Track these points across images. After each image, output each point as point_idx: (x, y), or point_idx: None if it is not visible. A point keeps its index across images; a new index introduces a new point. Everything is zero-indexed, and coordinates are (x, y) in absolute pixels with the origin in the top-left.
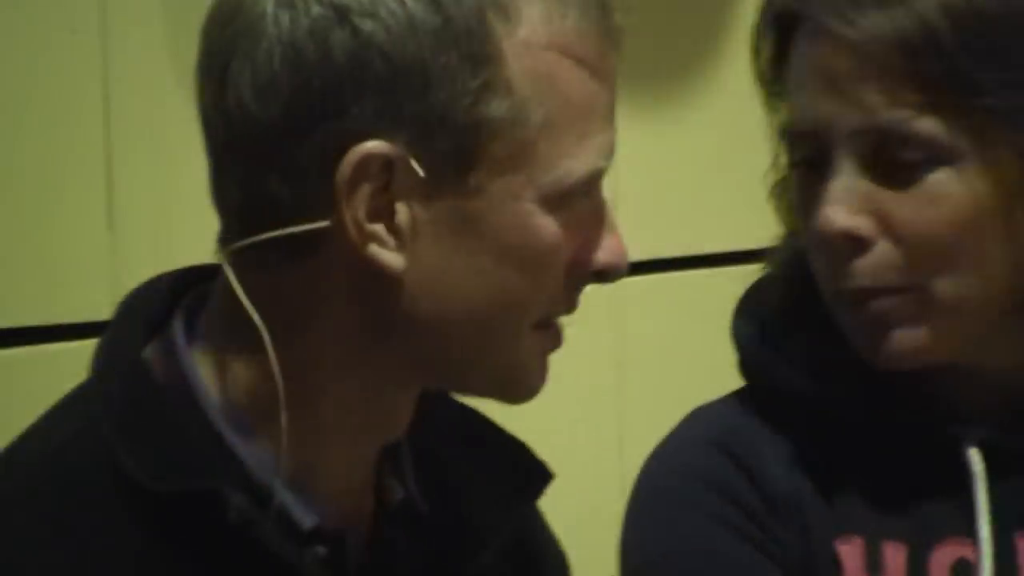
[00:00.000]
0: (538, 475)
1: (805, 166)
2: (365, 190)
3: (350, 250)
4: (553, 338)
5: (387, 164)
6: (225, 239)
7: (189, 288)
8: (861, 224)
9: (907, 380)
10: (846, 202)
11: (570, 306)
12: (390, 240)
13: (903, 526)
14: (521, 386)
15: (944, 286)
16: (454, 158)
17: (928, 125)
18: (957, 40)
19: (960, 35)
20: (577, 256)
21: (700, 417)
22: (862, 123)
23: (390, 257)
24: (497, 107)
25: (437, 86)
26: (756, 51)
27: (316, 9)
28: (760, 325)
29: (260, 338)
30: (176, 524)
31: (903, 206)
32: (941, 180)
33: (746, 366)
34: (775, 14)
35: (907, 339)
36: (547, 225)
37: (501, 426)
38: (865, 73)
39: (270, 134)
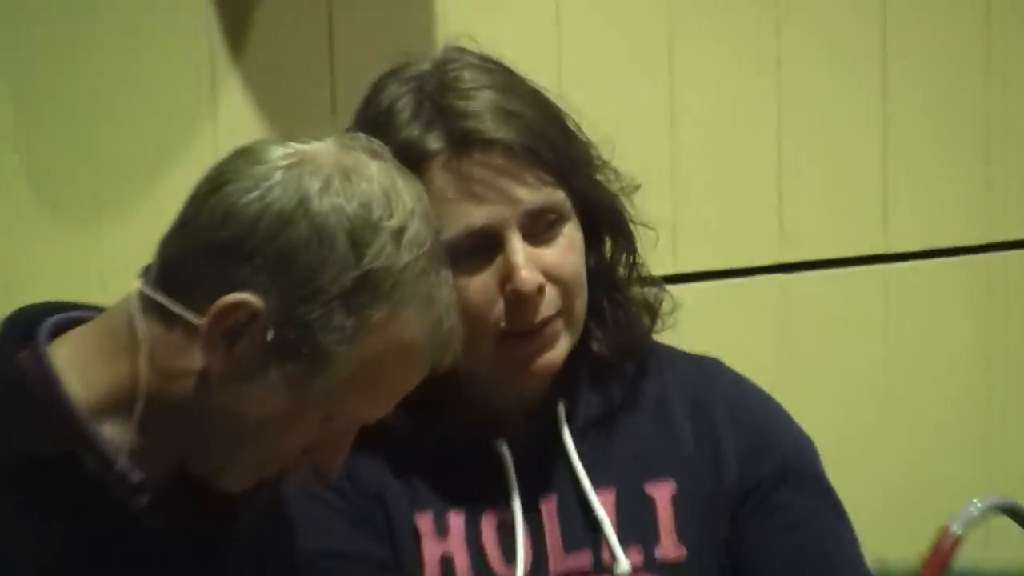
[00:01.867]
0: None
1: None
2: (229, 320)
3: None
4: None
5: (254, 315)
6: (147, 279)
7: (49, 313)
8: (541, 277)
9: (455, 405)
10: (530, 264)
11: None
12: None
13: (461, 500)
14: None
15: (579, 305)
16: (292, 349)
17: (555, 191)
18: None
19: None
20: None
21: None
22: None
23: (211, 361)
24: (341, 349)
25: (318, 304)
26: None
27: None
28: None
29: (128, 353)
30: (40, 484)
31: (553, 256)
32: (568, 231)
33: None
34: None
35: (560, 349)
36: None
37: None
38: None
39: (210, 253)
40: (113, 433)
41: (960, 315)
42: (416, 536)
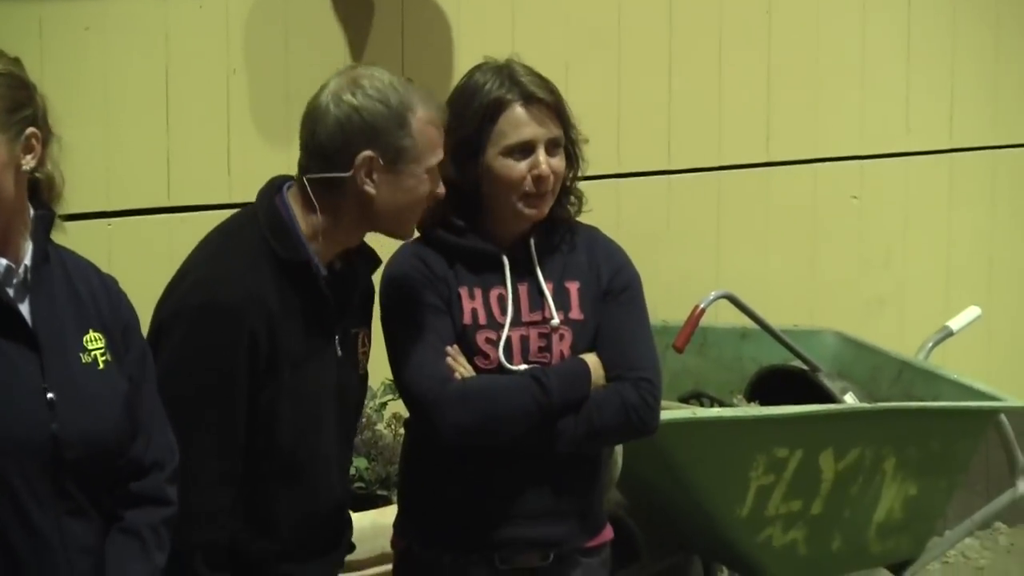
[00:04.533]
0: (375, 259)
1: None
2: (364, 167)
3: (354, 185)
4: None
5: (371, 159)
6: (304, 170)
7: (284, 180)
8: (549, 171)
9: (482, 232)
10: (547, 163)
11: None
12: (371, 184)
13: (481, 282)
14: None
15: (558, 188)
16: (394, 159)
17: (561, 133)
18: (562, 103)
19: (562, 101)
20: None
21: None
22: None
23: (371, 189)
24: (409, 143)
25: (386, 135)
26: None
27: (345, 105)
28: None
29: (314, 208)
30: (288, 271)
31: (554, 163)
32: (561, 153)
33: (423, 231)
34: (491, 102)
35: (547, 207)
36: (426, 183)
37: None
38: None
39: (327, 147)
40: (314, 248)
41: None
42: (459, 297)
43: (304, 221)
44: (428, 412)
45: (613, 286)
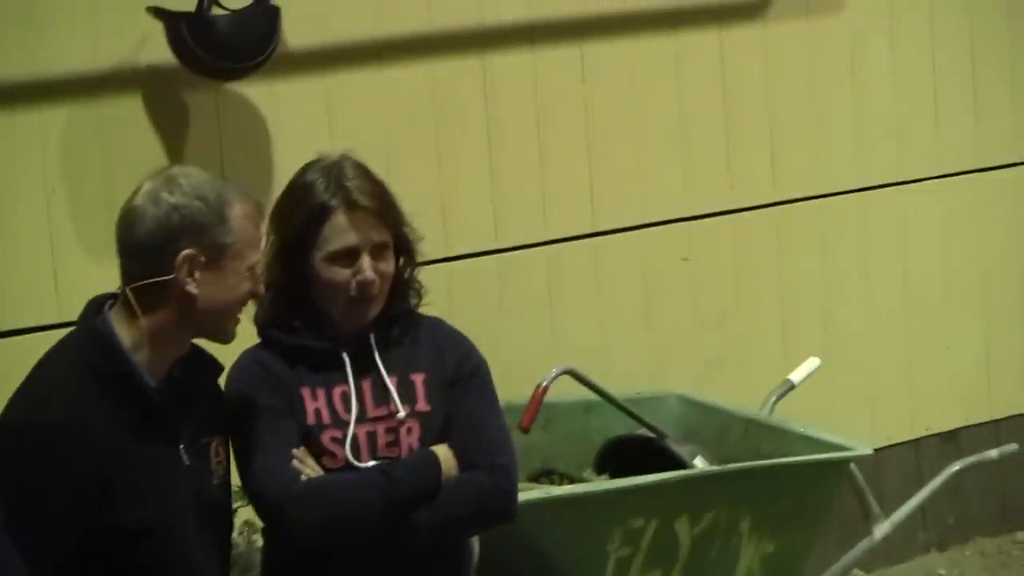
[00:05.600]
0: (217, 366)
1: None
2: (186, 265)
3: (176, 285)
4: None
5: (192, 257)
6: (125, 276)
7: (107, 298)
8: (374, 275)
9: (321, 332)
10: (371, 268)
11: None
12: (193, 283)
13: (323, 381)
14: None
15: (386, 289)
16: (216, 257)
17: (389, 236)
18: (391, 207)
19: (391, 205)
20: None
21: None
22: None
23: (193, 289)
24: (230, 239)
25: (206, 232)
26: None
27: (164, 204)
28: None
29: (136, 319)
30: (112, 385)
31: (381, 267)
32: (389, 254)
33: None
34: (316, 207)
35: (376, 309)
36: (247, 281)
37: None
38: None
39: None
40: (141, 358)
41: None
42: (301, 399)
43: (127, 333)
44: (276, 515)
45: (460, 373)
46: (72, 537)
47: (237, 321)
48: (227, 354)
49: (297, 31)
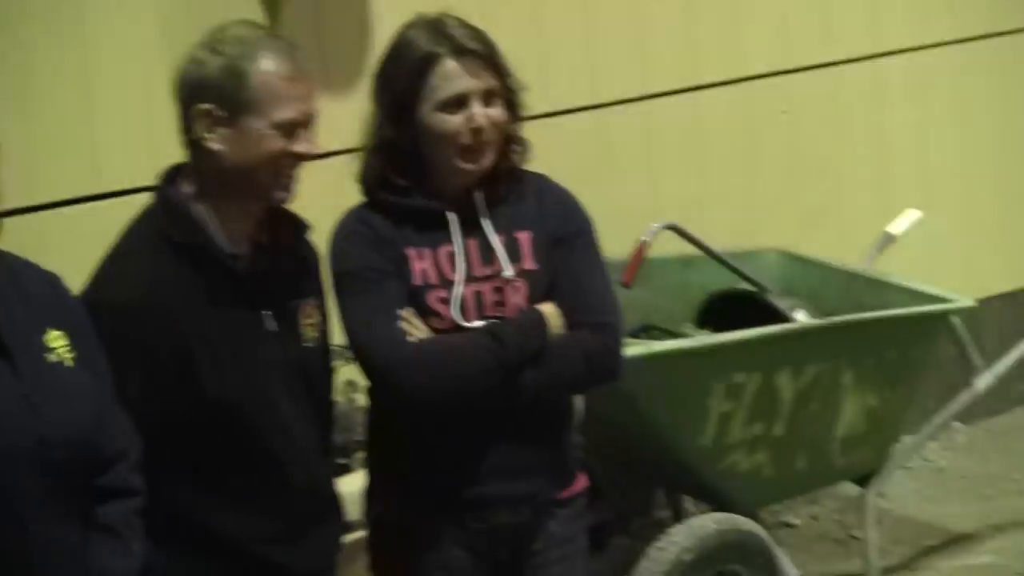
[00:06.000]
0: (300, 226)
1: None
2: (203, 120)
3: (201, 143)
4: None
5: (206, 112)
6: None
7: (181, 165)
8: (486, 121)
9: (426, 190)
10: (482, 115)
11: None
12: (215, 140)
13: (429, 241)
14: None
15: (498, 141)
16: (233, 112)
17: (497, 84)
18: (496, 54)
19: (496, 52)
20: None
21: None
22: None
23: (215, 146)
24: (247, 95)
25: (220, 87)
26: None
27: (191, 63)
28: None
29: (200, 184)
30: (187, 256)
31: (492, 114)
32: (499, 104)
33: (367, 194)
34: (420, 57)
35: (487, 160)
36: (274, 139)
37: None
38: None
39: (181, 103)
40: (213, 224)
41: None
42: (407, 259)
43: (200, 201)
44: (386, 378)
45: (565, 232)
46: (160, 409)
47: (284, 182)
48: (333, 216)
49: None
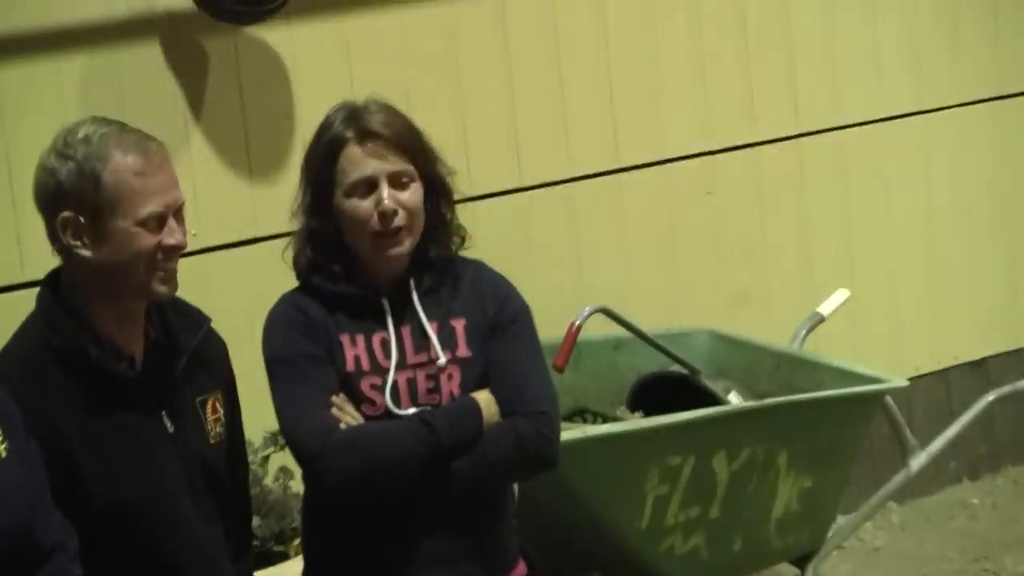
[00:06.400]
0: (198, 319)
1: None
2: (68, 229)
3: (69, 251)
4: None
5: (69, 220)
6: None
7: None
8: (396, 204)
9: (359, 277)
10: (391, 198)
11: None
12: (83, 247)
13: (362, 328)
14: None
15: (416, 224)
16: (95, 217)
17: (410, 166)
18: (411, 136)
19: (411, 134)
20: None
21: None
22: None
23: (85, 252)
24: (104, 196)
25: (77, 193)
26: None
27: (42, 170)
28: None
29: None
30: (68, 364)
31: (404, 199)
32: (414, 188)
33: (300, 279)
34: (328, 142)
35: (404, 246)
36: (142, 236)
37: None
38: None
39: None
40: (98, 328)
41: None
42: (340, 345)
43: (82, 305)
44: (313, 464)
45: (501, 319)
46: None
47: (162, 276)
48: (266, 302)
49: None
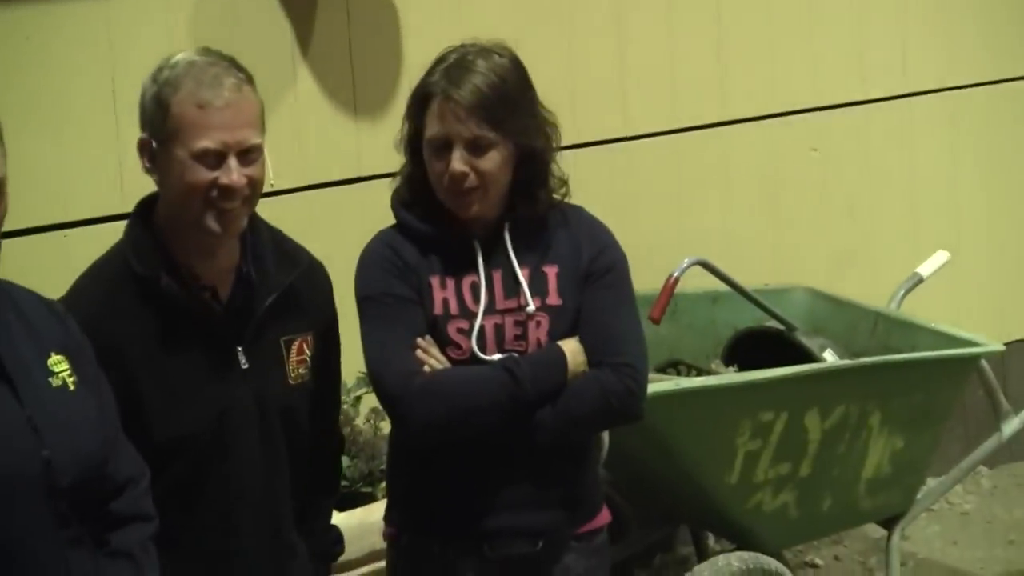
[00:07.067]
0: (297, 260)
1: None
2: (143, 151)
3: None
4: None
5: (144, 142)
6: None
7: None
8: (467, 168)
9: (452, 218)
10: (462, 162)
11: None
12: (154, 170)
13: (452, 270)
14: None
15: (493, 189)
16: (162, 142)
17: (491, 134)
18: (497, 102)
19: (498, 100)
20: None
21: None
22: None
23: (155, 176)
24: (170, 124)
25: (151, 116)
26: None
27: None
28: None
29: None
30: (148, 291)
31: (479, 163)
32: (492, 155)
33: (396, 215)
34: (421, 92)
35: (474, 208)
36: (195, 169)
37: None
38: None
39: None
40: (181, 257)
41: None
42: (430, 287)
43: (169, 233)
44: (394, 407)
45: (595, 268)
46: None
47: (215, 213)
48: (363, 237)
49: None
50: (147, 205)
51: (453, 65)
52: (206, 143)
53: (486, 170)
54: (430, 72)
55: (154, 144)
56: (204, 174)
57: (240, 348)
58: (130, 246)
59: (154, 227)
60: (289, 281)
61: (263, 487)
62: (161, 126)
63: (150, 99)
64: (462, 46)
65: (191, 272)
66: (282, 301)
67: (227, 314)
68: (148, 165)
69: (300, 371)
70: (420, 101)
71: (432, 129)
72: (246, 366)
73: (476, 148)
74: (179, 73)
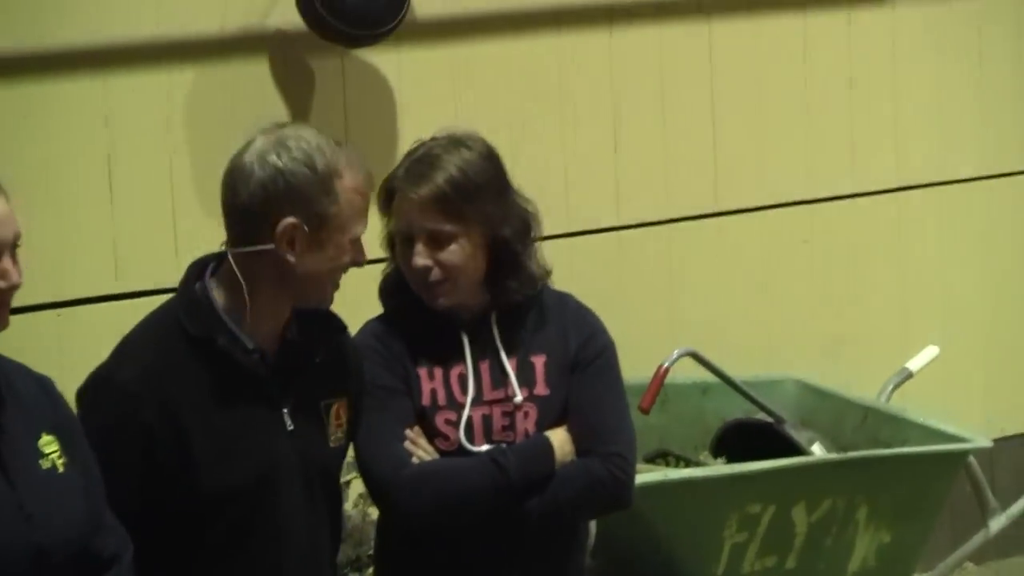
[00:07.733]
0: (336, 326)
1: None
2: (287, 235)
3: (275, 253)
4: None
5: (294, 226)
6: (229, 243)
7: (210, 260)
8: (430, 262)
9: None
10: (424, 256)
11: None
12: (292, 253)
13: (440, 361)
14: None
15: (462, 280)
16: (318, 227)
17: (450, 227)
18: (456, 195)
19: (456, 193)
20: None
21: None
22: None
23: (292, 258)
24: (334, 210)
25: (310, 202)
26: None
27: (270, 168)
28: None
29: (239, 282)
30: (201, 349)
31: (441, 257)
32: (454, 248)
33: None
34: (385, 188)
35: (443, 300)
36: (348, 253)
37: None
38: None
39: (250, 211)
40: (239, 322)
41: None
42: (418, 378)
43: (227, 296)
44: (383, 497)
45: (583, 355)
46: (148, 496)
47: (336, 287)
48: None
49: (426, 0)
50: (201, 269)
51: (416, 160)
52: (362, 229)
53: (449, 263)
54: (398, 166)
55: (305, 227)
56: (352, 255)
57: (285, 410)
58: (183, 307)
59: (206, 290)
60: (330, 345)
61: (308, 543)
62: (322, 210)
63: (308, 182)
64: (432, 139)
65: (252, 335)
66: (322, 366)
67: (274, 375)
68: (286, 247)
69: (338, 435)
70: (386, 196)
71: (394, 224)
72: (291, 427)
73: (436, 242)
74: (334, 159)
